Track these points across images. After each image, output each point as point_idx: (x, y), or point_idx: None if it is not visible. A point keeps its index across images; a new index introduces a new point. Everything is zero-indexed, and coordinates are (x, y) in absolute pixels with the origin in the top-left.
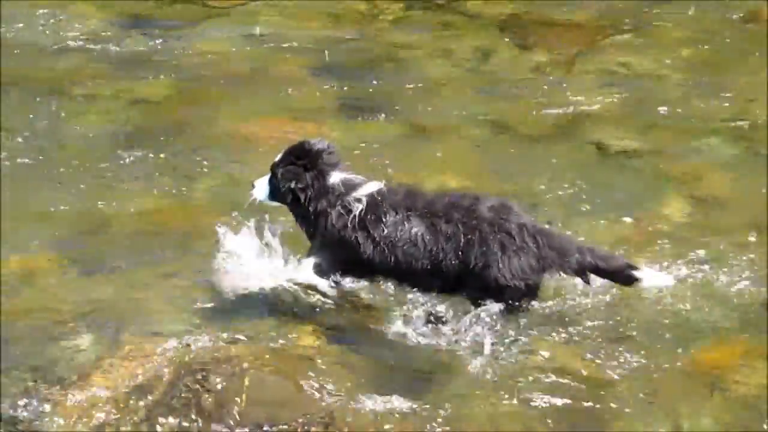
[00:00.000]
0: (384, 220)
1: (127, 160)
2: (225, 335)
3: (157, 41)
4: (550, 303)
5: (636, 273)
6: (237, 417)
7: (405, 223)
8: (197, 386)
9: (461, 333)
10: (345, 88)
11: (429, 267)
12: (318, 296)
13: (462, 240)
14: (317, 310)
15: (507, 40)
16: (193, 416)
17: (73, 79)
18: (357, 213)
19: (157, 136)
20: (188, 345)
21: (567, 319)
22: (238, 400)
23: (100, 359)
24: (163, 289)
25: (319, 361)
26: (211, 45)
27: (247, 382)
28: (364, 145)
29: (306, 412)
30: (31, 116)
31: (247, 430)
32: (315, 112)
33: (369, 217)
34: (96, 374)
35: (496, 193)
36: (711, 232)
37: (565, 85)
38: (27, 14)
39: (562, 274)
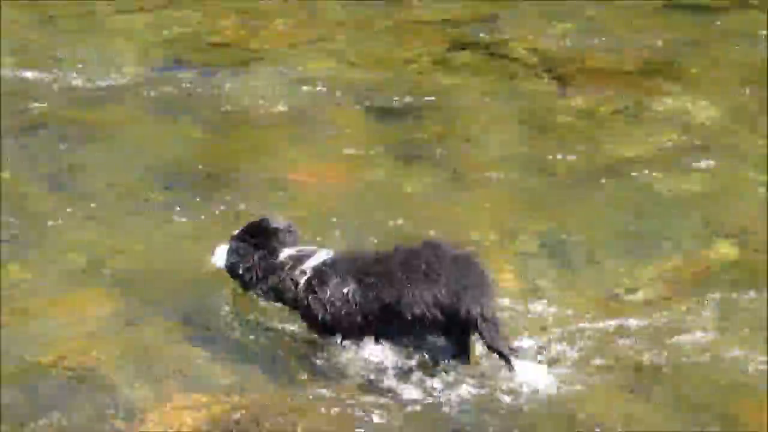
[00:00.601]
0: (327, 284)
1: (170, 204)
2: (274, 386)
3: (198, 85)
4: None
5: (513, 361)
6: None
7: (343, 284)
8: None
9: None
10: (390, 133)
11: (362, 318)
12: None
13: (379, 285)
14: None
15: (551, 83)
16: None
17: (113, 121)
18: (302, 283)
19: (199, 182)
20: (238, 395)
21: None
22: None
23: (148, 410)
24: (207, 340)
25: (369, 412)
26: (253, 89)
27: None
28: (409, 190)
29: None
30: (63, 159)
31: None
32: (360, 157)
33: (314, 283)
34: (144, 425)
35: (541, 237)
36: (757, 277)
37: (608, 128)
38: (65, 55)
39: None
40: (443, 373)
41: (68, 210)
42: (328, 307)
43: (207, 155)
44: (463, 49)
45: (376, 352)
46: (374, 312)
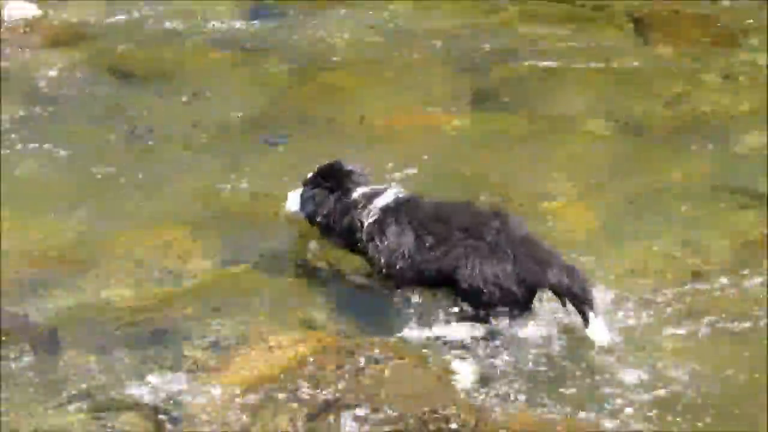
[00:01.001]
0: (386, 232)
1: (255, 145)
2: (366, 326)
3: (283, 28)
4: None
5: (589, 314)
6: (378, 407)
7: (401, 236)
8: (340, 374)
9: None
10: (472, 79)
11: (415, 274)
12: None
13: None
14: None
15: (634, 34)
16: (334, 406)
17: (198, 64)
18: (367, 224)
19: (284, 124)
20: (330, 335)
21: None
22: (380, 391)
23: (239, 345)
24: (300, 278)
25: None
26: (337, 33)
27: (387, 373)
28: (490, 137)
29: (447, 404)
30: (153, 101)
31: (389, 419)
32: (441, 102)
33: (375, 228)
34: (237, 360)
35: (618, 191)
36: None
37: (696, 82)
38: (156, 2)
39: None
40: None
41: (159, 155)
42: (384, 256)
43: (291, 97)
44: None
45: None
46: (430, 274)
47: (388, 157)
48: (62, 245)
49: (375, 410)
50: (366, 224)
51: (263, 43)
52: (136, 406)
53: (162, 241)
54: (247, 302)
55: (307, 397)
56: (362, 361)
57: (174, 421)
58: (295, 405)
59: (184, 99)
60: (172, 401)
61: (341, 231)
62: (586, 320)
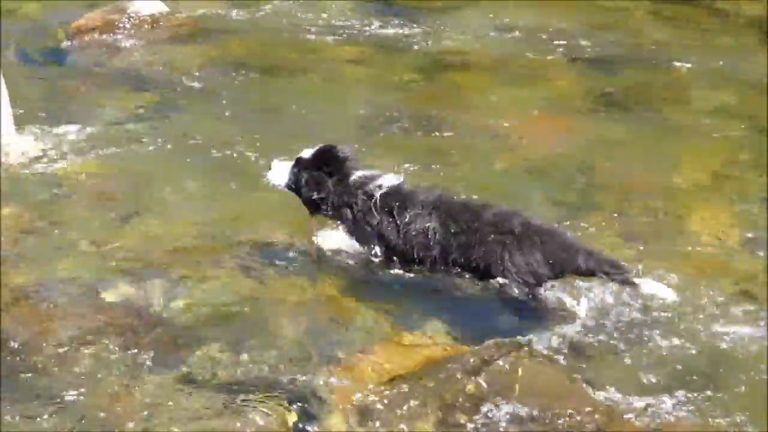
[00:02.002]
0: (404, 209)
1: (378, 142)
2: (498, 326)
3: (405, 28)
4: None
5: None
6: (511, 406)
7: (421, 216)
8: (472, 375)
9: None
10: (595, 82)
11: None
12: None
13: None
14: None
15: (762, 38)
16: (468, 404)
17: (332, 59)
18: (378, 196)
19: (406, 121)
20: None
21: None
22: (512, 390)
23: (368, 346)
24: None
25: (590, 354)
26: (459, 34)
27: (520, 372)
28: (613, 140)
29: (581, 405)
30: (278, 96)
31: (520, 419)
32: (564, 106)
33: (389, 202)
34: (365, 361)
35: (753, 189)
36: None
37: None
38: None
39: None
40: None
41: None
42: (402, 233)
43: (414, 95)
44: (673, 3)
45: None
46: (455, 259)
47: (509, 156)
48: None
49: (509, 409)
50: (377, 196)
51: (389, 41)
52: (272, 397)
53: None
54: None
55: (441, 393)
56: (496, 360)
57: (309, 413)
58: (428, 401)
59: (310, 95)
60: (307, 393)
61: (341, 211)
62: (633, 285)
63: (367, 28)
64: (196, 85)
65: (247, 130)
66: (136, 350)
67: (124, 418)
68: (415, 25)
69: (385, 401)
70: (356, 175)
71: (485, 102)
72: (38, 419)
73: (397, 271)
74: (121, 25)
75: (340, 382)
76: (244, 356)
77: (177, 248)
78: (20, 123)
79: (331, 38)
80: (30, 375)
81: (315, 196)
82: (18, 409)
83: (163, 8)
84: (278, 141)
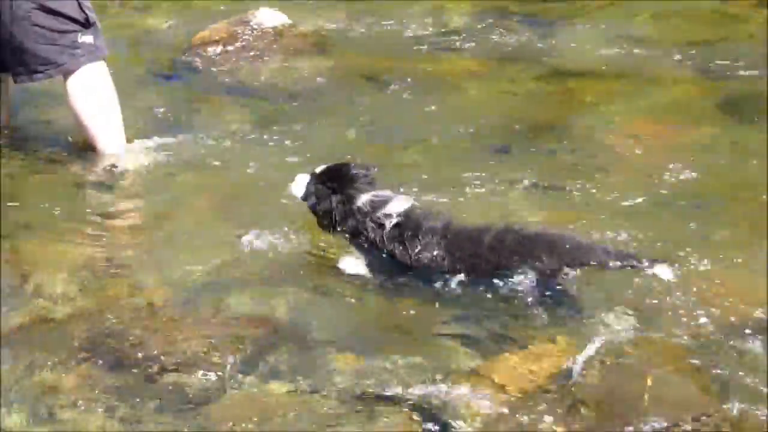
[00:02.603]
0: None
1: (499, 153)
2: (629, 333)
3: (526, 38)
4: None
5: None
6: (638, 416)
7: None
8: (595, 382)
9: None
10: (719, 90)
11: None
12: None
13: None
14: None
15: None
16: (588, 413)
17: (450, 72)
18: (389, 226)
19: (529, 133)
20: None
21: None
22: (641, 400)
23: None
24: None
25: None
26: (581, 42)
27: (649, 382)
28: (738, 149)
29: (712, 414)
30: (398, 109)
31: (649, 429)
32: (689, 115)
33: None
34: (492, 370)
35: None
36: None
37: None
38: (398, 10)
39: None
40: None
41: (397, 159)
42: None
43: (537, 106)
44: None
45: None
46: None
47: (626, 166)
48: None
49: (640, 417)
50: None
51: (508, 52)
52: (399, 408)
53: None
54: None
55: (569, 402)
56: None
57: (436, 424)
58: (558, 409)
59: (432, 106)
60: (436, 403)
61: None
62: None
63: (487, 39)
64: (317, 97)
65: (366, 143)
66: (261, 360)
67: (252, 427)
68: (533, 36)
69: (514, 410)
70: (365, 200)
71: (604, 110)
72: (167, 426)
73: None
74: (244, 37)
75: (468, 392)
76: (371, 366)
77: (300, 261)
78: (137, 134)
79: (452, 50)
80: (157, 384)
81: (317, 208)
82: (148, 417)
83: (286, 20)
84: (396, 154)
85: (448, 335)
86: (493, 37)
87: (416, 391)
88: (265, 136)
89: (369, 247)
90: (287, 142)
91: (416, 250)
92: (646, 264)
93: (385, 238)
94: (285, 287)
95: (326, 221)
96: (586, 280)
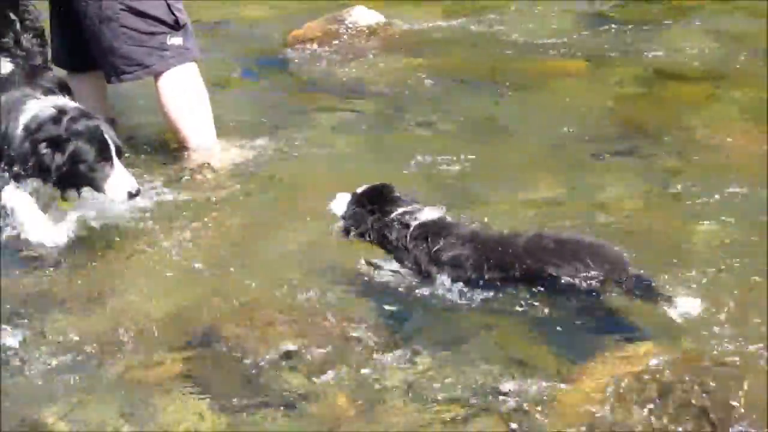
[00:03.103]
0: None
1: (604, 155)
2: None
3: (623, 40)
4: None
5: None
6: (734, 420)
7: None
8: (695, 387)
9: None
10: None
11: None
12: None
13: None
14: None
15: None
16: (682, 416)
17: (547, 73)
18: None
19: (629, 135)
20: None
21: None
22: (737, 404)
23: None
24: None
25: None
26: (679, 44)
27: (746, 386)
28: None
29: None
30: (495, 110)
31: None
32: None
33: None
34: (586, 373)
35: None
36: None
37: None
38: (494, 9)
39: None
40: None
41: (492, 160)
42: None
43: (641, 107)
44: None
45: None
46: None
47: (719, 176)
48: None
49: (735, 422)
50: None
51: (607, 53)
52: (491, 411)
53: None
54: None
55: (665, 404)
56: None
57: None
58: (654, 413)
59: (533, 107)
60: (529, 408)
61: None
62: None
63: (586, 40)
64: (412, 96)
65: (460, 143)
66: (356, 359)
67: (347, 426)
68: (631, 38)
69: (610, 414)
70: (398, 211)
71: (704, 115)
72: (264, 424)
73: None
74: (340, 34)
75: (562, 395)
76: (465, 369)
77: None
78: (232, 132)
79: (550, 51)
80: (253, 381)
81: (353, 231)
82: (241, 412)
83: (381, 19)
84: (490, 155)
85: (535, 339)
86: (591, 38)
87: (509, 393)
88: (358, 135)
89: (404, 259)
90: (381, 142)
91: (435, 250)
92: (668, 298)
93: (408, 241)
94: (377, 288)
95: (363, 239)
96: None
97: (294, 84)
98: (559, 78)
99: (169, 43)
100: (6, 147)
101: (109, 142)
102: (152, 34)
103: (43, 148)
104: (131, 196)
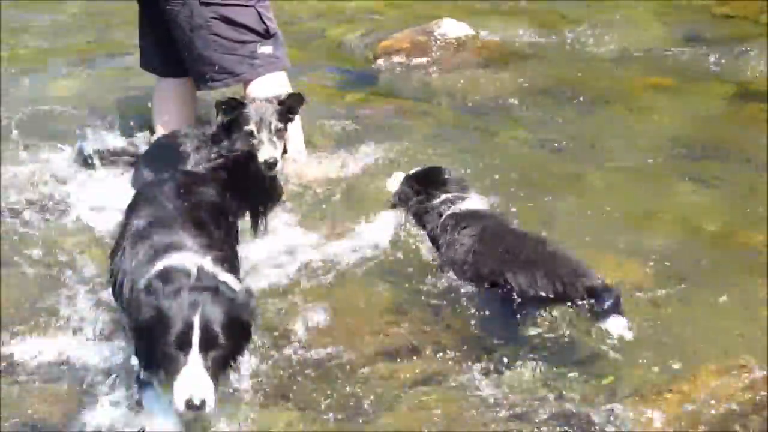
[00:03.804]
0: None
1: (683, 174)
2: None
3: (711, 56)
4: None
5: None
6: None
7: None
8: None
9: None
10: None
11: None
12: None
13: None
14: None
15: None
16: None
17: (632, 88)
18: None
19: (714, 154)
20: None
21: None
22: None
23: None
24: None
25: None
26: (763, 64)
27: None
28: None
29: None
30: (582, 125)
31: None
32: None
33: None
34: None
35: None
36: None
37: None
38: (584, 23)
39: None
40: None
41: (581, 177)
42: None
43: (716, 128)
44: None
45: None
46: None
47: None
48: None
49: None
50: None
51: (693, 69)
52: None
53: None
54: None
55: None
56: None
57: None
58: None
59: (615, 123)
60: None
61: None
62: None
63: (672, 55)
64: (500, 110)
65: (546, 158)
66: (430, 370)
67: None
68: (720, 54)
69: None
70: (441, 198)
71: None
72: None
73: None
74: (428, 46)
75: (648, 413)
76: (541, 382)
77: None
78: (324, 141)
79: (636, 66)
80: (333, 388)
81: (398, 206)
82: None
83: (470, 31)
84: (576, 171)
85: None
86: (680, 54)
87: (591, 411)
88: (444, 148)
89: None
90: (469, 155)
91: (448, 239)
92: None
93: (438, 230)
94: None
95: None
96: None
97: (383, 94)
98: (647, 94)
99: (259, 51)
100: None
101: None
102: (243, 42)
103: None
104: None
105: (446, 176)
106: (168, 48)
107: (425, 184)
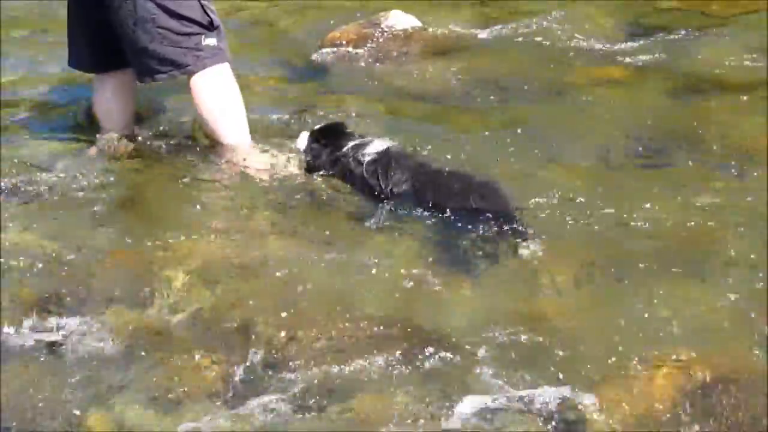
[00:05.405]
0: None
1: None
2: None
3: (659, 48)
4: None
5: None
6: None
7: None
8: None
9: None
10: None
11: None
12: None
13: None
14: None
15: None
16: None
17: (581, 80)
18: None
19: (661, 146)
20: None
21: None
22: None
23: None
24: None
25: None
26: (711, 55)
27: None
28: None
29: None
30: (528, 117)
31: None
32: None
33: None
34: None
35: None
36: None
37: None
38: (531, 14)
39: None
40: None
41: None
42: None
43: (667, 119)
44: None
45: None
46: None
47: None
48: None
49: None
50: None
51: (644, 62)
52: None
53: None
54: None
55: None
56: None
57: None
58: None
59: (559, 114)
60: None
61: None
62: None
63: (622, 48)
64: (445, 101)
65: (491, 149)
66: (391, 363)
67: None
68: (669, 46)
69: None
70: (349, 145)
71: (734, 127)
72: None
73: None
74: (375, 38)
75: (606, 402)
76: (505, 373)
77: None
78: (267, 133)
79: (586, 58)
80: (281, 381)
81: (312, 162)
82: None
83: (417, 23)
84: (522, 162)
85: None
86: (630, 46)
87: (548, 399)
88: (392, 139)
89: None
90: (414, 146)
91: (388, 181)
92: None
93: (364, 173)
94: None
95: (320, 169)
96: None
97: (328, 86)
98: (594, 85)
99: (204, 43)
100: None
101: None
102: (188, 35)
103: None
104: None
105: (347, 127)
106: (100, 44)
107: (331, 136)
